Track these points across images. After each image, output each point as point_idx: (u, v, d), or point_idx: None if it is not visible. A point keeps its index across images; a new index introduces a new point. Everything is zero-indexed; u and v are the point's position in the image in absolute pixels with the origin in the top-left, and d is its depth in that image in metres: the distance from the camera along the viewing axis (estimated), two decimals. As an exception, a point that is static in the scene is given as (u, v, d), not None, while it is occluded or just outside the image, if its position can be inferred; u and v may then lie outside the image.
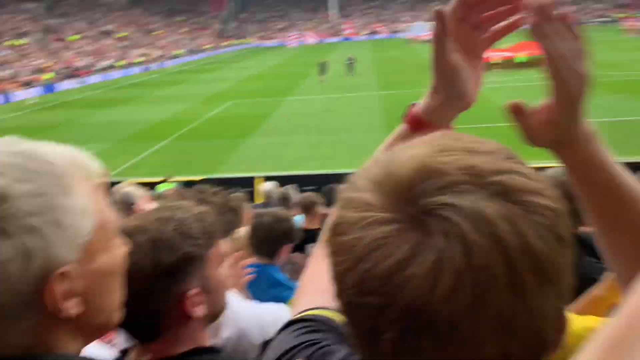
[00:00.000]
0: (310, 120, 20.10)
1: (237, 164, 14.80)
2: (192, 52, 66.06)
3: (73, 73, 43.54)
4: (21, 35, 48.50)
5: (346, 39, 76.81)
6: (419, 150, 0.47)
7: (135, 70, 49.58)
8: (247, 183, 11.94)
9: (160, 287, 0.98)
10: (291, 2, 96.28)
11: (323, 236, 0.51)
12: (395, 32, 75.88)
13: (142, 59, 53.69)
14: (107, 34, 60.19)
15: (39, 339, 0.66)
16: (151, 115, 23.57)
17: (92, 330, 0.74)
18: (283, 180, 11.17)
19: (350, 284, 0.45)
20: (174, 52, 61.13)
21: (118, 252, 0.76)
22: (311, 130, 18.41)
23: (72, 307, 0.67)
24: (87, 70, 45.23)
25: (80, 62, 46.95)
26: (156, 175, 12.68)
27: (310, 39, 74.06)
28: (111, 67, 48.13)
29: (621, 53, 32.36)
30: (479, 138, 0.50)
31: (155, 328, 1.00)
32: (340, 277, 0.47)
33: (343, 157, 14.62)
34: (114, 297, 0.76)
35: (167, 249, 0.98)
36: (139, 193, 3.92)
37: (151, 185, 10.58)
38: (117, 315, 0.78)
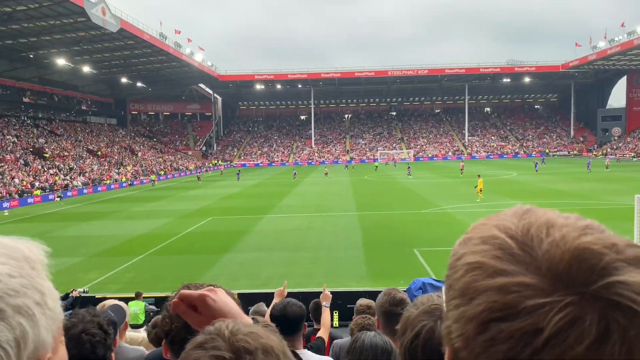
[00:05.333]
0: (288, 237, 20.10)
1: (213, 280, 14.33)
2: (176, 170, 67.26)
3: (54, 187, 43.47)
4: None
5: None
6: (558, 231, 0.51)
7: (115, 186, 49.97)
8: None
9: None
10: (271, 127, 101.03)
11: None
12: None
13: (123, 177, 54.32)
14: (92, 152, 61.40)
15: None
16: (128, 231, 23.31)
17: None
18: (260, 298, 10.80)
19: None
20: (156, 170, 62.17)
21: (63, 348, 0.72)
22: (289, 247, 18.33)
23: None
24: (67, 184, 45.30)
25: (61, 178, 47.16)
26: (128, 291, 12.17)
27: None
28: (92, 181, 48.37)
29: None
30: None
31: None
32: None
33: (320, 275, 14.38)
34: None
35: None
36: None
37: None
38: None
